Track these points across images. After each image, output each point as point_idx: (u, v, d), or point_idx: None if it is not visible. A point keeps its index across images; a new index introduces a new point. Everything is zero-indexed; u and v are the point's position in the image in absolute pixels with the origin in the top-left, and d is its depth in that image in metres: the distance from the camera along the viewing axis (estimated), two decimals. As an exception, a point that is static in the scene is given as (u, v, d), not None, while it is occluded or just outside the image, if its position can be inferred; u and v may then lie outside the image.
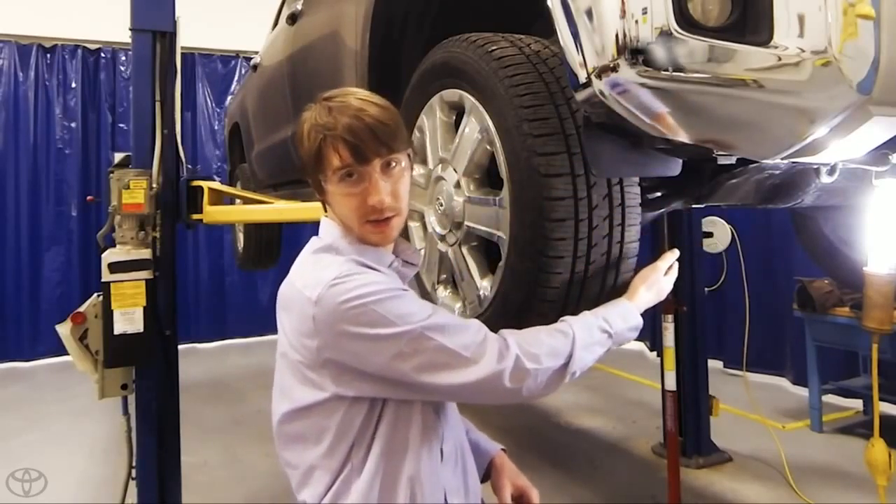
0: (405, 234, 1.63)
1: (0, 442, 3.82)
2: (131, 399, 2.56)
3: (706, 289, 3.82)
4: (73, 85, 6.13)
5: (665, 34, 0.88)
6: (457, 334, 0.94)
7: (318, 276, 0.97)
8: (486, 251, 1.38)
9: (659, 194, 1.49)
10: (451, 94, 1.40)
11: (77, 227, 6.04)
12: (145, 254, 2.52)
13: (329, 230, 1.07)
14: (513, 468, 1.24)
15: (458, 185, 1.39)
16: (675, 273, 1.21)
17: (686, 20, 0.89)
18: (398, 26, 1.80)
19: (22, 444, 3.78)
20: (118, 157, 2.93)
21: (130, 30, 2.67)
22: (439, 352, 0.93)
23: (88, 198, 5.94)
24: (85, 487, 3.19)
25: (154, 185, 2.62)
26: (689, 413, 3.42)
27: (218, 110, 6.65)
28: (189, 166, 3.36)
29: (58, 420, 4.21)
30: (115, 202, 2.59)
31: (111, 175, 2.64)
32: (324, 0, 2.31)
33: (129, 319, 2.43)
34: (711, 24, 0.90)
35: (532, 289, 1.18)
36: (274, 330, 1.08)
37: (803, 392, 4.10)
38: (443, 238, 1.45)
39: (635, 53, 0.90)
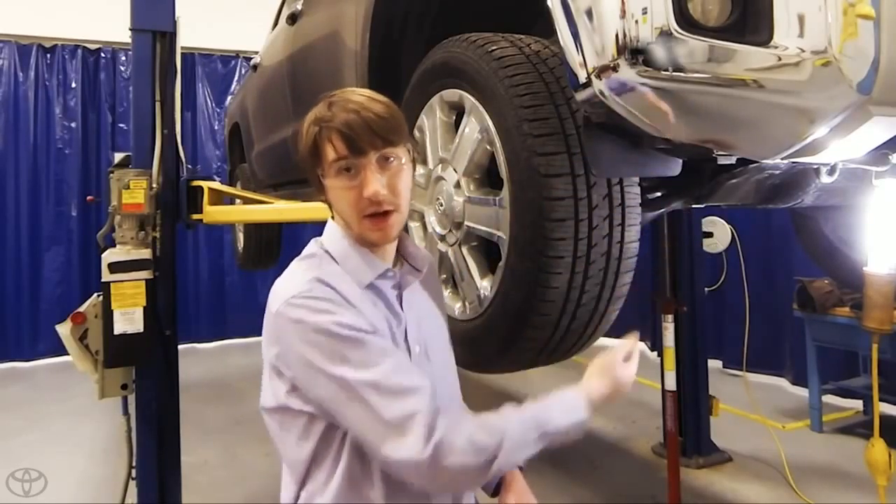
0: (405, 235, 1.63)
1: (0, 442, 3.82)
2: (131, 399, 2.56)
3: (706, 289, 3.82)
4: (73, 85, 6.13)
5: (665, 34, 0.88)
6: (392, 401, 0.88)
7: (285, 288, 0.97)
8: (486, 251, 1.38)
9: (659, 194, 1.49)
10: (451, 94, 1.40)
11: (77, 227, 6.04)
12: (145, 254, 2.52)
13: (330, 233, 1.06)
14: (522, 487, 1.18)
15: (458, 185, 1.39)
16: (634, 363, 1.07)
17: (686, 20, 0.89)
18: (398, 26, 1.80)
19: (22, 444, 3.78)
20: (118, 157, 2.93)
21: (130, 30, 2.67)
22: (365, 413, 0.89)
23: (88, 198, 5.94)
24: (85, 487, 3.18)
25: (154, 185, 2.62)
26: (689, 413, 3.41)
27: (218, 110, 6.65)
28: (189, 166, 3.35)
29: (58, 420, 4.21)
30: (115, 202, 2.59)
31: (111, 175, 2.64)
32: (324, 0, 2.31)
33: (129, 319, 2.43)
34: (711, 24, 0.90)
35: (532, 289, 1.18)
36: (274, 330, 1.08)
37: (803, 392, 4.09)
38: (443, 238, 1.45)
39: (635, 53, 0.90)
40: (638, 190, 1.24)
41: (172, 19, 2.72)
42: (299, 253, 1.08)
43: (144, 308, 2.45)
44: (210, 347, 6.45)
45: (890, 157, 1.11)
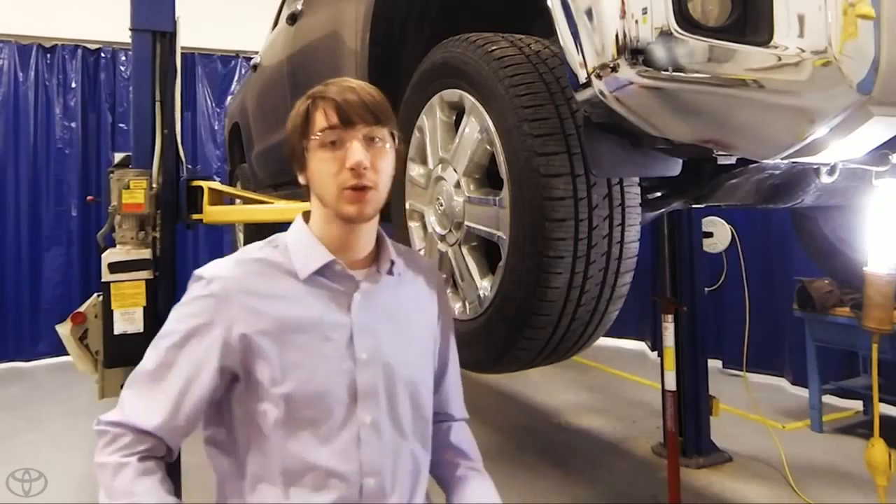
0: (406, 236, 1.63)
1: (0, 442, 3.82)
2: (131, 399, 2.55)
3: (706, 289, 3.82)
4: (73, 85, 6.12)
5: (665, 34, 0.88)
6: (134, 379, 0.99)
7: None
8: (486, 251, 1.38)
9: (659, 194, 1.49)
10: (451, 94, 1.40)
11: (77, 227, 6.04)
12: (145, 254, 2.52)
13: (294, 223, 1.08)
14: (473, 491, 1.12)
15: (458, 185, 1.39)
16: None
17: (686, 20, 0.89)
18: (398, 26, 1.80)
19: (22, 444, 3.77)
20: (118, 157, 2.93)
21: (130, 30, 2.67)
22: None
23: (88, 198, 5.93)
24: (85, 487, 3.18)
25: (154, 185, 2.62)
26: (689, 413, 3.41)
27: (218, 110, 6.64)
28: (189, 166, 3.35)
29: (58, 420, 4.20)
30: (115, 202, 2.59)
31: (111, 175, 2.64)
32: (324, 0, 2.32)
33: (129, 319, 2.44)
34: (711, 24, 0.90)
35: (532, 289, 1.18)
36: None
37: (803, 392, 4.09)
38: (443, 238, 1.45)
39: (635, 53, 0.90)
40: (638, 190, 1.24)
41: (172, 19, 2.72)
42: None
43: (144, 308, 2.45)
44: (210, 347, 6.44)
45: (890, 157, 1.11)
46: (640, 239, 1.26)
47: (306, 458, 0.95)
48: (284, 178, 3.26)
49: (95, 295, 2.54)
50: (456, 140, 1.39)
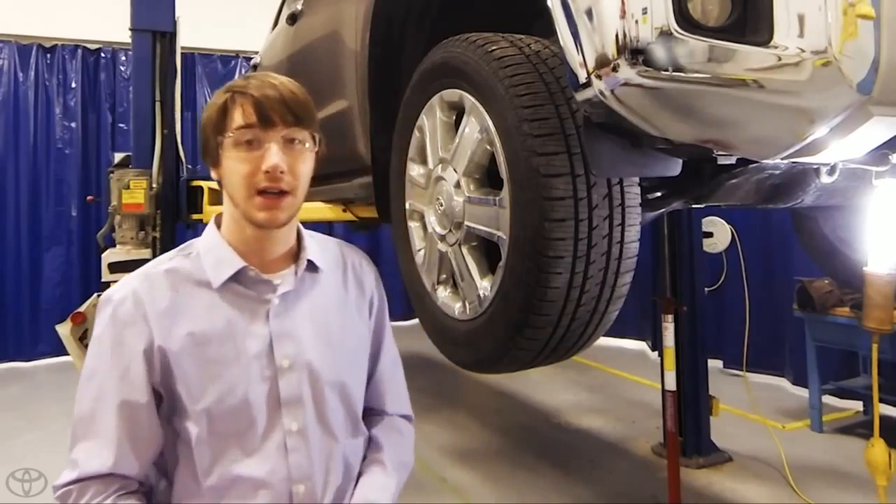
0: (406, 236, 1.63)
1: (0, 442, 3.82)
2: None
3: (706, 289, 3.82)
4: (73, 85, 6.12)
5: (665, 34, 0.88)
6: (75, 430, 0.98)
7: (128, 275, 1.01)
8: (486, 251, 1.38)
9: (659, 194, 1.49)
10: (451, 94, 1.40)
11: (77, 227, 6.03)
12: (145, 254, 2.53)
13: (207, 229, 1.04)
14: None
15: (458, 185, 1.39)
16: None
17: (686, 20, 0.89)
18: (398, 26, 1.80)
19: (22, 444, 3.77)
20: (118, 157, 2.94)
21: (130, 30, 2.68)
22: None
23: (88, 198, 5.93)
24: (85, 487, 3.18)
25: (154, 185, 2.62)
26: (689, 413, 3.41)
27: (218, 110, 6.64)
28: (189, 166, 3.36)
29: (58, 420, 4.20)
30: (115, 202, 2.60)
31: (111, 175, 2.65)
32: (324, 0, 2.31)
33: (129, 319, 2.43)
34: (711, 24, 0.90)
35: (532, 289, 1.18)
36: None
37: (803, 392, 4.09)
38: (443, 238, 1.45)
39: (635, 53, 0.90)
40: (638, 190, 1.24)
41: (172, 19, 2.72)
42: None
43: (144, 308, 2.45)
44: (210, 347, 6.44)
45: (890, 157, 1.11)
46: (640, 239, 1.26)
47: (233, 471, 0.93)
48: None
49: (95, 295, 2.55)
50: (456, 140, 1.39)
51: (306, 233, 1.06)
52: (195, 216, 2.97)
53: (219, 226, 1.03)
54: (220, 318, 0.96)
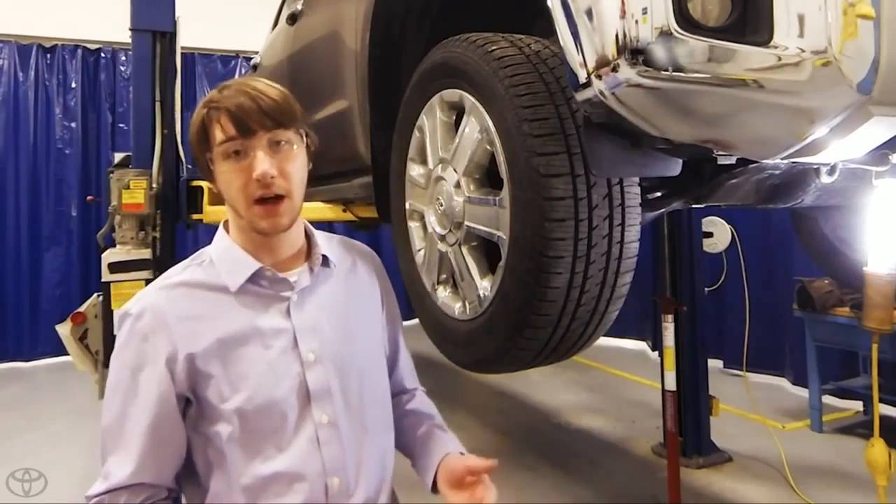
0: (406, 236, 1.63)
1: (0, 442, 3.82)
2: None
3: (706, 289, 3.82)
4: (73, 85, 6.13)
5: (665, 34, 0.88)
6: (104, 443, 0.98)
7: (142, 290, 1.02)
8: (486, 251, 1.38)
9: (659, 194, 1.49)
10: (451, 94, 1.40)
11: (77, 227, 6.04)
12: (145, 254, 2.53)
13: (217, 235, 1.04)
14: (448, 469, 1.06)
15: (458, 185, 1.39)
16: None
17: (686, 20, 0.89)
18: (398, 26, 1.80)
19: (22, 444, 3.77)
20: (118, 157, 2.94)
21: (130, 30, 2.68)
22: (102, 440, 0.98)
23: (88, 198, 5.93)
24: (85, 487, 3.17)
25: (154, 185, 2.62)
26: (689, 413, 3.41)
27: (218, 110, 6.64)
28: (189, 166, 3.36)
29: (58, 420, 4.20)
30: (115, 202, 2.60)
31: (111, 175, 2.65)
32: (324, 0, 2.31)
33: (129, 319, 2.44)
34: (711, 24, 0.90)
35: (532, 289, 1.18)
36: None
37: (803, 392, 4.09)
38: (443, 238, 1.45)
39: (635, 53, 0.90)
40: (638, 190, 1.24)
41: (172, 19, 2.72)
42: None
43: (144, 308, 2.45)
44: (210, 347, 6.44)
45: (890, 157, 1.11)
46: (640, 239, 1.26)
47: (267, 469, 0.94)
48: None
49: (95, 295, 2.55)
50: (456, 140, 1.39)
51: (313, 230, 1.08)
52: (195, 216, 2.97)
53: (227, 231, 1.05)
54: (242, 319, 0.97)
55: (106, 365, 2.46)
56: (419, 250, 1.59)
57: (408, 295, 1.64)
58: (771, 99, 0.87)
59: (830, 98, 0.85)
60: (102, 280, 2.44)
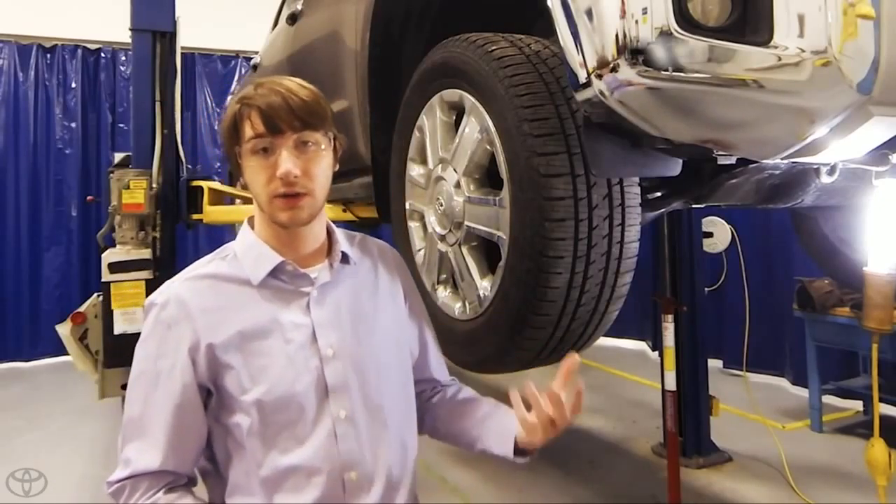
0: (406, 236, 1.63)
1: (0, 442, 3.82)
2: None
3: (706, 289, 3.82)
4: (73, 85, 6.12)
5: (665, 34, 0.88)
6: (126, 431, 0.99)
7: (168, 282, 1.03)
8: (486, 251, 1.38)
9: (659, 194, 1.49)
10: (451, 94, 1.40)
11: (77, 227, 6.03)
12: (145, 254, 2.53)
13: (241, 229, 1.07)
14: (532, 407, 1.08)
15: (458, 185, 1.39)
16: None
17: (686, 20, 0.89)
18: (398, 26, 1.80)
19: (22, 444, 3.77)
20: (118, 157, 2.94)
21: (130, 30, 2.68)
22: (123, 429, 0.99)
23: (88, 198, 5.93)
24: (85, 487, 3.18)
25: (154, 185, 2.63)
26: (689, 413, 3.41)
27: (218, 110, 6.64)
28: (189, 166, 3.36)
29: (58, 420, 4.20)
30: (115, 202, 2.60)
31: (111, 175, 2.65)
32: (324, 0, 2.31)
33: (129, 319, 2.44)
34: (711, 24, 0.90)
35: (532, 289, 1.18)
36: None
37: (803, 392, 4.09)
38: (443, 238, 1.45)
39: (635, 53, 0.90)
40: (638, 190, 1.24)
41: (172, 19, 2.72)
42: None
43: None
44: (210, 347, 6.43)
45: (890, 157, 1.11)
46: (640, 239, 1.26)
47: (285, 461, 0.95)
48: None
49: (95, 295, 2.55)
50: (456, 140, 1.39)
51: (335, 228, 1.09)
52: (195, 216, 2.98)
53: (252, 227, 1.07)
54: (263, 312, 0.99)
55: (106, 365, 2.46)
56: (419, 250, 1.59)
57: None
58: (771, 99, 0.87)
59: (830, 98, 0.85)
60: (102, 280, 2.44)
